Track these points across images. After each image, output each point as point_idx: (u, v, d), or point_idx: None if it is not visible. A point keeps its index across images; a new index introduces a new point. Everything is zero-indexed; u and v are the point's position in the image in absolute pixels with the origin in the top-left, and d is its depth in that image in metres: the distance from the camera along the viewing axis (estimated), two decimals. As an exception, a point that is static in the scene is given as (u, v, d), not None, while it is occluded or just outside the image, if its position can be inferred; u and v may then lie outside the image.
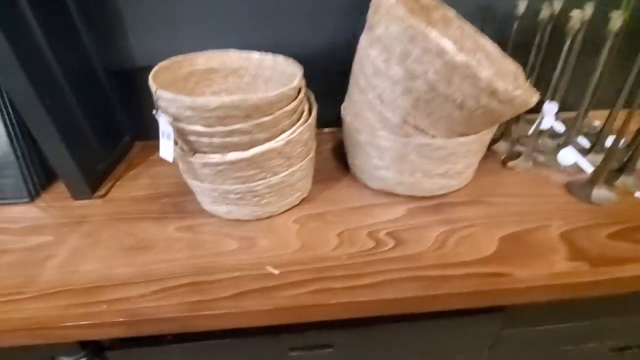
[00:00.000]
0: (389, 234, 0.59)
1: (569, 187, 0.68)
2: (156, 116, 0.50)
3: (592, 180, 0.65)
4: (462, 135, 0.58)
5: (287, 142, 0.54)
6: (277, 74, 0.64)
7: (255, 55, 0.65)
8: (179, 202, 0.68)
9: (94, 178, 0.71)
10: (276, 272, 0.52)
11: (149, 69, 0.68)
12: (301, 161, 0.60)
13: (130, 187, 0.73)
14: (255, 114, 0.49)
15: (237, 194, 0.57)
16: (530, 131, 0.78)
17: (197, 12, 0.73)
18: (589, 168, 0.71)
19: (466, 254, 0.54)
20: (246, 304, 0.48)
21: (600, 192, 0.65)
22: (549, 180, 0.70)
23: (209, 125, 0.48)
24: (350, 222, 0.61)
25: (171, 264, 0.54)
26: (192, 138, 0.50)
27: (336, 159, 0.78)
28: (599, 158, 0.66)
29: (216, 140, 0.50)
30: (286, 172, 0.58)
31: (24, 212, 0.67)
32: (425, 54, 0.48)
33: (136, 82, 0.79)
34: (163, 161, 0.87)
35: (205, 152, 0.53)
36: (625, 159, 0.68)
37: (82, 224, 0.64)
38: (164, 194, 0.71)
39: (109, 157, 0.76)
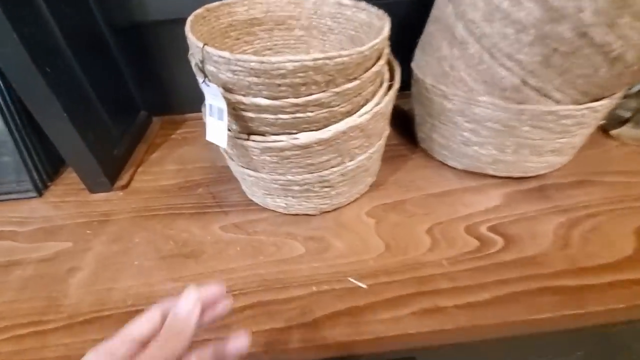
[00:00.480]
0: (492, 228, 0.47)
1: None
2: (202, 86, 0.36)
3: None
4: (595, 98, 0.44)
5: (373, 116, 0.40)
6: (341, 23, 0.49)
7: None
8: (217, 192, 0.56)
9: (111, 165, 0.58)
10: (364, 285, 0.41)
11: (164, 23, 0.52)
12: (379, 140, 0.47)
13: (156, 175, 0.61)
14: (338, 79, 0.35)
15: (304, 185, 0.44)
16: (636, 88, 0.64)
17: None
18: None
19: (601, 255, 0.42)
20: (334, 332, 0.37)
21: None
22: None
23: (276, 97, 0.35)
24: (439, 213, 0.49)
25: (228, 277, 0.43)
26: (250, 114, 0.37)
27: (399, 132, 0.65)
28: None
29: (284, 117, 0.36)
30: (364, 155, 0.45)
31: (33, 210, 0.55)
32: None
33: (149, 42, 0.64)
34: (189, 140, 0.73)
35: (265, 134, 0.39)
36: None
37: (105, 224, 0.52)
38: (197, 182, 0.58)
39: (125, 138, 0.63)
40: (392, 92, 0.42)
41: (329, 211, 0.50)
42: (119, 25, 0.61)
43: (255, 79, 0.33)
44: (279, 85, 0.33)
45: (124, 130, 0.64)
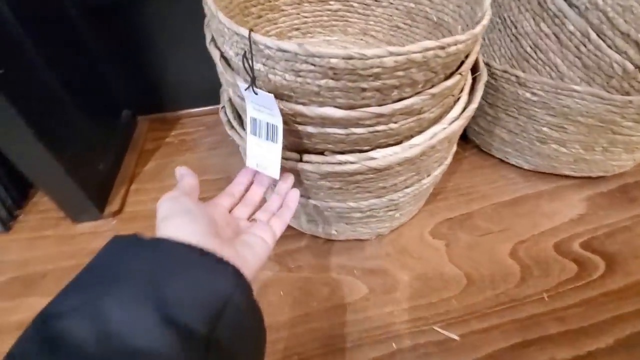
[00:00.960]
0: (586, 245, 0.39)
1: None
2: (246, 93, 0.24)
3: None
4: None
5: (466, 120, 0.30)
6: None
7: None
8: (239, 211, 0.45)
9: (97, 186, 0.45)
10: (455, 336, 0.33)
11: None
12: (453, 147, 0.37)
13: (155, 193, 0.48)
14: (438, 75, 0.25)
15: (368, 211, 0.34)
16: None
17: None
18: None
19: None
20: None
21: None
22: None
23: (354, 105, 0.24)
24: (517, 229, 0.41)
25: (276, 336, 0.33)
26: (310, 129, 0.26)
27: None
28: None
29: (359, 131, 0.26)
30: (441, 168, 0.35)
31: (1, 252, 0.42)
32: None
33: (131, 23, 0.49)
34: (189, 145, 0.57)
35: (324, 152, 0.29)
36: None
37: (100, 267, 0.40)
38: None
39: (110, 147, 0.50)
40: (482, 86, 0.32)
41: (385, 234, 0.41)
42: (91, 3, 0.46)
43: (331, 82, 0.22)
44: (364, 89, 0.22)
45: (107, 137, 0.50)
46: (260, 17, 0.37)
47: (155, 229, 0.22)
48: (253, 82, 0.22)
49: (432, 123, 0.29)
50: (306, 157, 0.29)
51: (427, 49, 0.21)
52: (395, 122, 0.26)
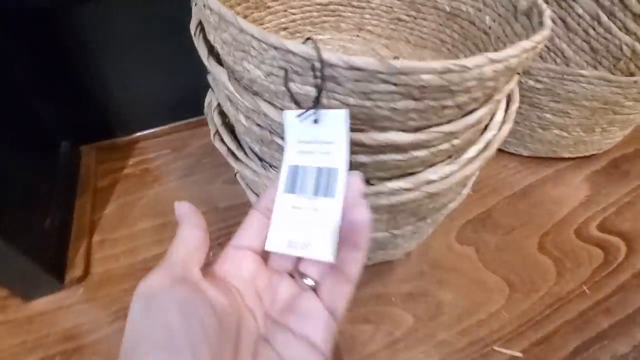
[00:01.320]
0: (602, 227, 0.40)
1: None
2: (293, 122, 0.18)
3: None
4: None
5: (511, 124, 0.27)
6: None
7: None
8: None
9: (48, 249, 0.35)
10: (518, 353, 0.30)
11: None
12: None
13: (126, 243, 0.39)
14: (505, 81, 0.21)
15: (409, 234, 0.30)
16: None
17: None
18: None
19: None
20: None
21: None
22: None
23: (421, 127, 0.19)
24: (537, 221, 0.40)
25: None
26: (363, 158, 0.21)
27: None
28: None
29: (420, 154, 0.21)
30: (475, 175, 0.32)
31: None
32: None
33: (60, 29, 0.39)
34: (155, 174, 0.46)
35: (369, 180, 0.24)
36: None
37: (76, 357, 0.31)
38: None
39: (54, 193, 0.39)
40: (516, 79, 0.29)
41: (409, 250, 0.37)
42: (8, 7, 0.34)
43: (411, 104, 0.17)
44: (445, 107, 0.18)
45: (47, 182, 0.39)
46: (245, 17, 0.30)
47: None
48: (318, 101, 0.16)
49: (479, 133, 0.26)
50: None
51: (525, 50, 0.17)
52: (458, 138, 0.22)
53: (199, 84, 0.49)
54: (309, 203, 0.18)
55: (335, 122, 0.17)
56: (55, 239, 0.36)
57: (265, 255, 0.19)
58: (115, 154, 0.49)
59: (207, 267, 0.17)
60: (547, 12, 0.21)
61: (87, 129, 0.48)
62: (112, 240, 0.39)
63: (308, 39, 0.15)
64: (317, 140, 0.18)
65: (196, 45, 0.22)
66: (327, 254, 0.17)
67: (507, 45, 0.25)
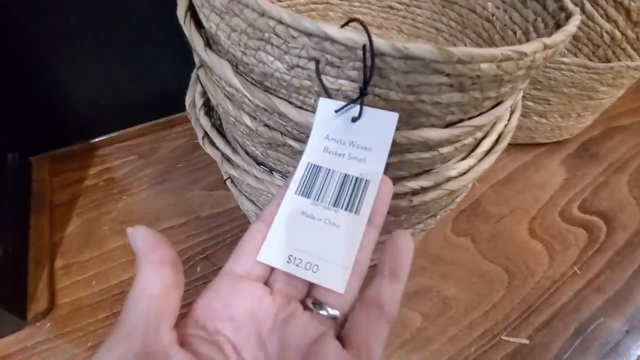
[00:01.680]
0: (582, 208, 0.41)
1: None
2: (330, 118, 0.15)
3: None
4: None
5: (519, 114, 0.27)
6: None
7: None
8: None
9: (5, 283, 0.29)
10: (525, 340, 0.31)
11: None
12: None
13: (95, 266, 0.34)
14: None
15: (419, 233, 0.29)
16: None
17: None
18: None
19: (679, 208, 0.42)
20: None
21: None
22: None
23: (456, 119, 0.18)
24: (523, 206, 0.41)
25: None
26: (391, 159, 0.19)
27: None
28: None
29: (445, 150, 0.19)
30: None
31: None
32: None
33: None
34: (121, 184, 0.41)
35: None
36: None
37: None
38: (184, 257, 0.35)
39: (6, 218, 0.33)
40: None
41: (410, 244, 0.37)
42: None
43: (456, 96, 0.15)
44: (487, 99, 0.16)
45: (-9, 200, 0.33)
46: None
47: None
48: (364, 94, 0.14)
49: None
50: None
51: (568, 36, 0.16)
52: (481, 131, 0.21)
53: (167, 80, 0.45)
54: (325, 214, 0.15)
55: (380, 124, 0.15)
56: (11, 269, 0.30)
57: (272, 282, 0.15)
58: (72, 164, 0.43)
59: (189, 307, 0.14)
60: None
61: (36, 136, 0.41)
62: (78, 264, 0.34)
63: (351, 20, 0.13)
64: (352, 142, 0.16)
65: (187, 34, 0.18)
66: (338, 282, 0.14)
67: (518, 32, 0.24)
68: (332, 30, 0.12)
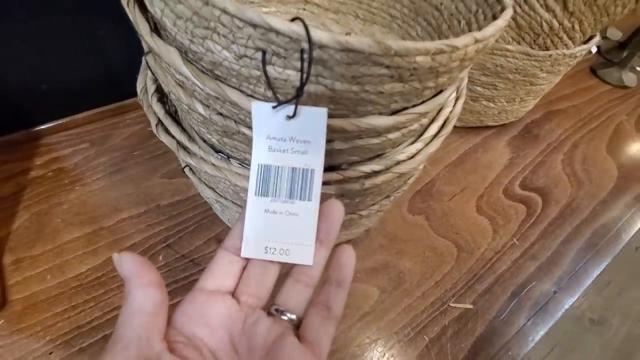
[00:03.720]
0: (523, 185, 0.45)
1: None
2: (268, 115, 0.16)
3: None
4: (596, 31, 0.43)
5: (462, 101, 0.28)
6: None
7: None
8: (196, 251, 0.35)
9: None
10: (469, 305, 0.34)
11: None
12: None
13: (48, 259, 0.33)
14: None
15: (373, 214, 0.30)
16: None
17: None
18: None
19: (604, 184, 0.47)
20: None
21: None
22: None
23: (399, 108, 0.19)
24: (472, 185, 0.45)
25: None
26: (338, 145, 0.20)
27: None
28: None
29: (393, 135, 0.21)
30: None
31: None
32: None
33: None
34: (70, 174, 0.38)
35: (340, 165, 0.23)
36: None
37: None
38: (145, 247, 0.35)
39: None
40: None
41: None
42: None
43: (397, 86, 0.16)
44: (426, 89, 0.18)
45: None
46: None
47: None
48: (299, 94, 0.15)
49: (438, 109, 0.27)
50: (328, 175, 0.23)
51: (500, 29, 0.17)
52: (427, 117, 0.22)
53: (117, 63, 0.42)
54: (284, 207, 0.18)
55: (314, 119, 0.16)
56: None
57: (238, 295, 0.17)
58: (16, 154, 0.40)
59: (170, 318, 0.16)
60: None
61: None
62: (30, 258, 0.33)
63: (295, 18, 0.13)
64: (292, 137, 0.16)
65: (132, 18, 0.18)
66: (307, 258, 0.17)
67: (462, 22, 0.26)
68: (276, 22, 0.13)
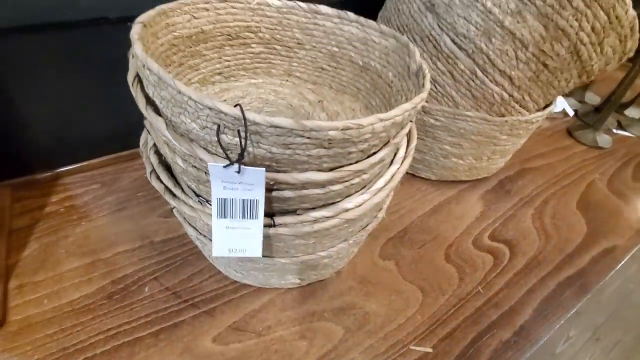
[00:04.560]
0: (492, 237, 0.48)
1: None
2: (219, 170, 0.21)
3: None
4: (547, 105, 0.49)
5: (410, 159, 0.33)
6: (316, 36, 0.39)
7: (277, 2, 0.37)
8: (179, 285, 0.39)
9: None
10: (429, 349, 0.36)
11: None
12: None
13: (51, 285, 0.37)
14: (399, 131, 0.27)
15: (337, 255, 0.34)
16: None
17: None
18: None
19: (571, 239, 0.50)
20: None
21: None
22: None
23: (337, 166, 0.24)
24: (444, 235, 0.48)
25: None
26: (287, 194, 0.24)
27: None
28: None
29: (336, 188, 0.25)
30: (387, 202, 0.38)
31: None
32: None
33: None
34: (82, 211, 0.44)
35: (296, 210, 0.27)
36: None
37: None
38: (134, 278, 0.39)
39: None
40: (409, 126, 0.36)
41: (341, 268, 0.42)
42: None
43: (322, 151, 0.21)
44: (351, 153, 0.23)
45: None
46: (181, 64, 0.33)
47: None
48: (241, 158, 0.20)
49: (386, 167, 0.31)
50: (279, 219, 0.27)
51: (406, 111, 0.22)
52: (367, 173, 0.27)
53: (130, 118, 0.50)
54: (239, 224, 0.24)
55: (255, 174, 0.21)
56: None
57: None
58: (33, 192, 0.46)
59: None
60: (428, 77, 0.28)
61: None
62: (32, 284, 0.37)
63: (237, 104, 0.18)
64: (240, 182, 0.21)
65: (134, 95, 0.24)
66: (258, 252, 0.26)
67: (404, 96, 0.31)
68: (224, 106, 0.18)
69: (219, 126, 0.19)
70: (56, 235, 0.42)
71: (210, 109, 0.19)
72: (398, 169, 0.31)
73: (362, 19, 0.36)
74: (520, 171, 0.61)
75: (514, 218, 0.52)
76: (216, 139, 0.20)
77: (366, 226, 0.34)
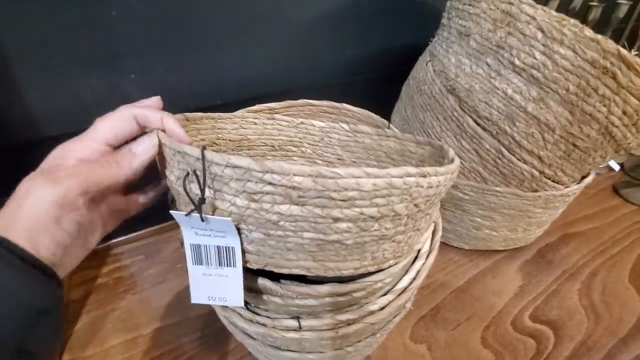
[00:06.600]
0: (533, 317, 0.45)
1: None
2: (186, 218, 0.22)
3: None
4: (585, 173, 0.47)
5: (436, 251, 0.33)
6: (356, 152, 0.41)
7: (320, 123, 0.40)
8: (208, 360, 0.40)
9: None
10: None
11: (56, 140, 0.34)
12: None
13: (97, 360, 0.40)
14: (416, 213, 0.27)
15: (364, 347, 0.34)
16: None
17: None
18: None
19: (625, 319, 0.45)
20: None
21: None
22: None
23: (324, 240, 0.24)
24: (479, 314, 0.45)
25: None
26: (312, 301, 0.25)
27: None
28: None
29: (359, 294, 0.26)
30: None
31: None
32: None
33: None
34: (128, 284, 0.47)
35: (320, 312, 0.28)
36: None
37: None
38: (171, 356, 0.41)
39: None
40: (436, 209, 0.37)
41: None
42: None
43: (295, 209, 0.20)
44: (337, 219, 0.23)
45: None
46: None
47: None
48: (199, 206, 0.21)
49: (412, 262, 0.32)
50: (305, 322, 0.28)
51: (409, 175, 0.21)
52: (383, 283, 0.27)
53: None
54: (216, 271, 0.24)
55: (222, 223, 0.21)
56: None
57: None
58: (90, 262, 0.50)
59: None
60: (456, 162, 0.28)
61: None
62: (82, 359, 0.40)
63: (204, 147, 0.20)
64: (210, 229, 0.22)
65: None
66: (238, 303, 0.25)
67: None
68: (187, 148, 0.20)
69: (187, 173, 0.21)
70: (104, 308, 0.45)
71: (178, 152, 0.21)
72: (423, 264, 0.32)
73: (398, 133, 0.37)
74: (562, 237, 0.57)
75: (557, 294, 0.48)
76: (183, 188, 0.21)
77: (393, 319, 0.34)
